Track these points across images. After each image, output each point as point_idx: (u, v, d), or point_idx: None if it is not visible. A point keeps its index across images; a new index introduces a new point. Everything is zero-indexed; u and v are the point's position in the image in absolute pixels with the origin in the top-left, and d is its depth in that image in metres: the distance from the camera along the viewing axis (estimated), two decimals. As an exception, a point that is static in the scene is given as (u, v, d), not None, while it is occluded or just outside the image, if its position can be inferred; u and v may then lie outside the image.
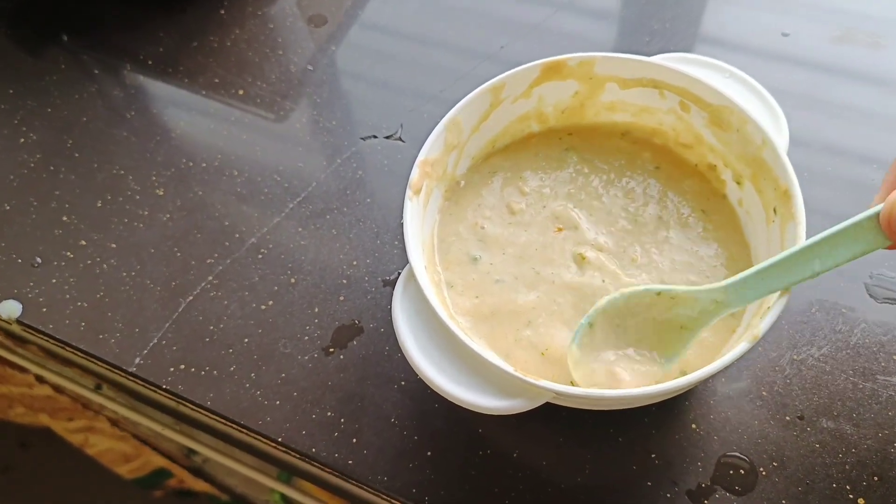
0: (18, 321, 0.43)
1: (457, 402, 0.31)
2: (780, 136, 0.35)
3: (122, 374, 0.42)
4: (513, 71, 0.38)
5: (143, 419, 0.71)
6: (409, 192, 0.35)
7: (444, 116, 0.37)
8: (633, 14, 0.51)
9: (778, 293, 0.31)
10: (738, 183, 0.38)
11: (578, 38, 0.51)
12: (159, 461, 0.87)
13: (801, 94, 0.47)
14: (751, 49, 0.49)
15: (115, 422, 0.86)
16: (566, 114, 0.41)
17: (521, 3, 0.53)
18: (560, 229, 0.38)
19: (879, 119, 0.46)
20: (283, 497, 0.76)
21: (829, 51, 0.49)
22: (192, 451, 0.87)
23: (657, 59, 0.38)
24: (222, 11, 0.55)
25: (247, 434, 0.40)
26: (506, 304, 0.36)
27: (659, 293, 0.33)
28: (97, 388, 0.72)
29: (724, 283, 0.32)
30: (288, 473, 0.68)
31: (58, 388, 0.81)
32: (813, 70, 0.48)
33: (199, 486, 0.88)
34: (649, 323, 0.33)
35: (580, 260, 0.37)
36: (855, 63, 0.48)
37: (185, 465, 0.88)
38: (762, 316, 0.31)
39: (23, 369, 0.81)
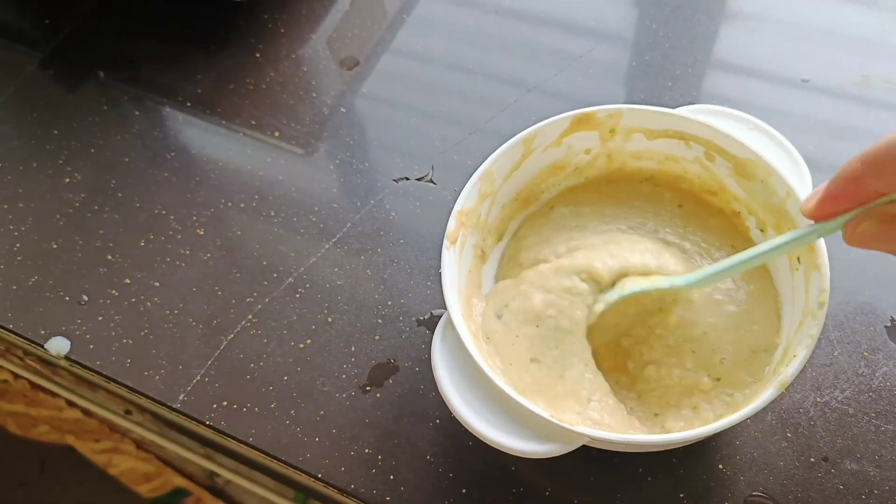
0: (67, 357, 0.45)
1: (496, 447, 0.32)
2: (804, 189, 0.37)
3: (166, 408, 0.43)
4: (544, 122, 0.40)
5: (168, 443, 0.73)
6: (446, 243, 0.36)
7: (474, 159, 0.39)
8: (656, 58, 0.53)
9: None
10: (762, 230, 0.39)
11: (602, 83, 0.53)
12: (179, 481, 0.89)
13: (820, 139, 0.48)
14: (771, 95, 0.50)
15: (140, 444, 0.88)
16: (593, 161, 0.43)
17: (546, 53, 0.55)
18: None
19: None
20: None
21: (849, 97, 0.50)
22: (214, 473, 0.88)
23: (683, 111, 0.40)
24: (258, 54, 0.57)
25: (266, 458, 0.42)
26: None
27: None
28: (126, 413, 0.74)
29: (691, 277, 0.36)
30: (304, 495, 0.70)
31: (87, 412, 0.83)
32: (834, 115, 0.49)
33: (218, 505, 0.89)
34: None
35: None
36: (874, 110, 0.50)
37: (206, 486, 0.89)
38: (788, 363, 0.32)
39: (54, 394, 0.83)
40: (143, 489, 0.93)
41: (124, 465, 0.92)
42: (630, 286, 0.37)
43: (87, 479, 0.97)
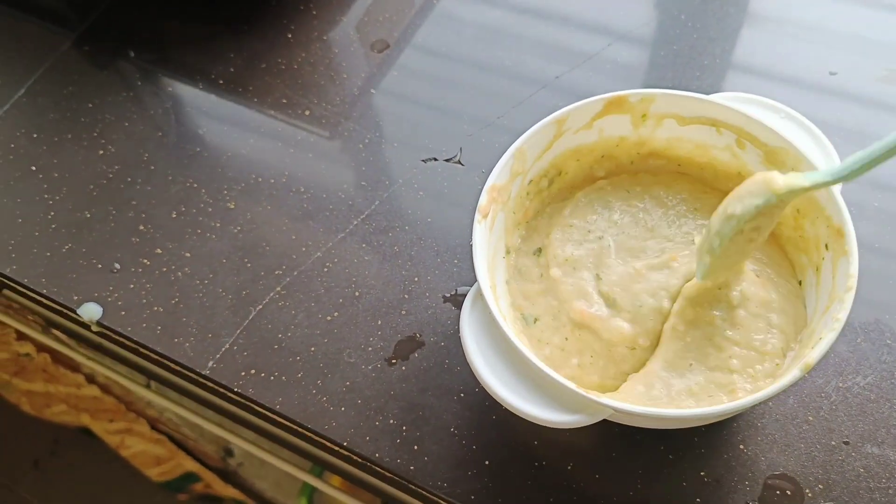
0: (98, 323, 0.46)
1: (522, 416, 0.33)
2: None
3: (195, 375, 0.44)
4: (576, 104, 0.40)
5: (188, 413, 0.74)
6: (477, 217, 0.37)
7: (502, 142, 0.40)
8: (684, 49, 0.54)
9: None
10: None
11: (632, 71, 0.53)
12: (190, 465, 0.90)
13: (848, 131, 0.48)
14: (800, 87, 0.51)
15: (154, 424, 0.89)
16: (624, 146, 0.43)
17: (577, 33, 0.56)
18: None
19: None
20: (310, 500, 0.78)
21: (876, 90, 0.50)
22: (228, 454, 0.89)
23: (716, 97, 0.40)
24: (289, 35, 0.58)
25: (286, 432, 0.43)
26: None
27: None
28: (146, 386, 0.75)
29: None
30: (320, 468, 0.71)
31: (105, 389, 0.84)
32: (861, 108, 0.50)
33: (227, 491, 0.90)
34: None
35: None
36: (900, 102, 0.50)
37: (218, 469, 0.90)
38: (813, 346, 0.33)
39: (74, 369, 0.84)
40: (154, 472, 0.94)
41: (136, 447, 0.92)
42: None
43: (99, 461, 0.98)
